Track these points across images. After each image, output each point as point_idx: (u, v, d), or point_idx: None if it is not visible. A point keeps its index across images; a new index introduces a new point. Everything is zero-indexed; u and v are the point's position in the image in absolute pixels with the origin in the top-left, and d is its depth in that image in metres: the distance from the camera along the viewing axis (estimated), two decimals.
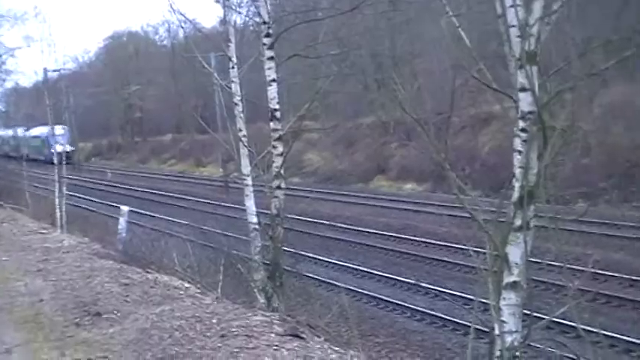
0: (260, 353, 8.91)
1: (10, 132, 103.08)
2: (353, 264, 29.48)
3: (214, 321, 10.45)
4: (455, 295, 22.63)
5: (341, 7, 18.88)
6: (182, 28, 30.39)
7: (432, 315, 22.23)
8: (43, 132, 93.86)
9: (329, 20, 19.03)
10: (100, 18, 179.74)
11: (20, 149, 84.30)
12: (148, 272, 15.67)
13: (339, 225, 38.32)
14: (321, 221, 38.96)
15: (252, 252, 16.62)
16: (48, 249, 19.50)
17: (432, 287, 24.93)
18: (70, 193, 38.43)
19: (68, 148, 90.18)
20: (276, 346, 9.25)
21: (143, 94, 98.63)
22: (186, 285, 14.10)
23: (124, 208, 24.64)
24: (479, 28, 10.42)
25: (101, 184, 69.70)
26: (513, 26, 8.23)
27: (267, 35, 15.62)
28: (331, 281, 25.45)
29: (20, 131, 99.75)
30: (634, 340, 18.42)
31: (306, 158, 61.74)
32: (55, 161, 35.36)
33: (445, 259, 28.28)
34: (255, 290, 15.73)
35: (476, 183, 30.57)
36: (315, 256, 30.06)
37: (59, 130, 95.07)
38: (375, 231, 35.96)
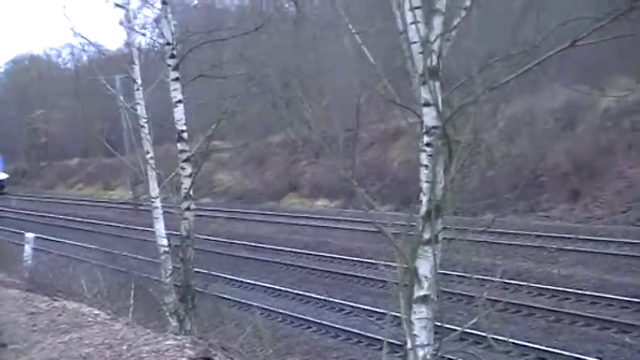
0: None
1: None
2: (267, 283, 29.44)
3: (124, 347, 10.33)
4: (369, 310, 22.74)
5: (246, 27, 18.90)
6: (84, 51, 30.02)
7: (347, 331, 22.29)
8: None
9: (234, 40, 19.01)
10: (0, 42, 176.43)
11: None
12: (55, 300, 15.44)
13: (252, 244, 38.27)
14: (234, 241, 38.91)
15: (163, 275, 16.47)
16: None
17: (346, 303, 25.04)
18: None
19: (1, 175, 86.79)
20: None
21: (48, 118, 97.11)
22: (96, 311, 13.92)
23: (29, 235, 24.26)
24: (384, 44, 10.48)
25: (5, 211, 68.31)
26: (415, 42, 8.32)
27: (172, 56, 15.54)
28: (245, 301, 25.36)
29: None
30: (544, 348, 18.71)
31: (217, 178, 61.62)
32: None
33: (359, 274, 28.42)
34: (167, 314, 15.58)
35: (386, 198, 30.96)
36: (228, 276, 29.92)
37: None
38: (288, 249, 36.00)
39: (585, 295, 22.94)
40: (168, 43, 15.63)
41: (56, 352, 10.72)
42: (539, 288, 23.91)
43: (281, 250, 36.08)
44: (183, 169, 15.65)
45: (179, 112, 15.67)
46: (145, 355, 9.87)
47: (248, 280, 30.03)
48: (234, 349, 12.20)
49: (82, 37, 19.56)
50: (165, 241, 16.54)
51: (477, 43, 9.68)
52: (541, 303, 22.80)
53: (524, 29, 8.48)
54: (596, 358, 17.94)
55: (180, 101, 15.69)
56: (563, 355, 18.33)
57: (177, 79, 15.63)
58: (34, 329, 12.52)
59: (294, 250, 35.61)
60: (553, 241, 29.86)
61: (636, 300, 21.77)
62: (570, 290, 23.46)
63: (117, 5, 17.41)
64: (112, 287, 18.74)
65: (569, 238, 30.75)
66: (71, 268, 24.53)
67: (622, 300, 21.98)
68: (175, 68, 15.59)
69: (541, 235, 31.34)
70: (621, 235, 31.08)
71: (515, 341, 17.14)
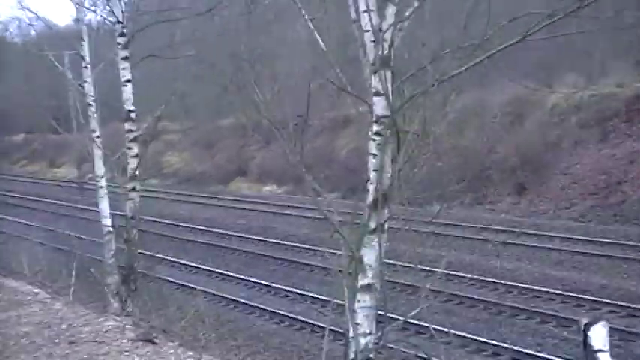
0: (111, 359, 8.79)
1: None
2: (211, 266, 29.32)
3: (64, 327, 10.26)
4: (313, 297, 22.77)
5: (198, 9, 18.80)
6: (32, 25, 29.60)
7: (291, 317, 22.29)
8: None
9: (187, 21, 18.90)
10: None
11: None
12: None
13: (198, 227, 38.13)
14: (179, 223, 38.73)
15: (106, 255, 16.38)
16: None
17: (290, 289, 25.04)
18: None
19: None
20: (127, 352, 9.14)
21: None
22: (36, 290, 13.82)
23: None
24: (337, 32, 10.47)
25: None
26: (367, 31, 8.33)
27: (122, 35, 15.42)
28: (188, 284, 25.23)
29: None
30: (484, 339, 18.86)
31: (165, 160, 61.30)
32: None
33: (304, 261, 28.43)
34: (109, 294, 15.50)
35: (334, 185, 31.00)
36: (172, 258, 29.80)
37: None
38: (234, 233, 35.92)
39: (527, 288, 23.14)
40: (118, 22, 15.52)
41: None
42: (483, 280, 24.09)
43: (227, 234, 36.00)
44: (130, 149, 15.56)
45: (127, 92, 15.56)
46: (84, 335, 9.81)
47: (192, 263, 29.90)
48: (176, 332, 12.17)
49: (29, 10, 19.40)
50: (109, 222, 16.45)
51: (429, 35, 9.70)
52: (484, 295, 22.97)
53: (476, 22, 8.51)
54: (535, 351, 18.13)
55: (129, 80, 15.59)
56: (502, 347, 18.51)
57: (126, 58, 15.53)
58: None
59: (240, 234, 35.55)
60: (497, 234, 30.09)
61: (576, 295, 22.01)
62: (513, 283, 23.65)
63: None
64: (53, 266, 18.58)
65: (513, 231, 31.03)
66: (11, 245, 24.30)
67: (562, 294, 22.21)
68: (125, 47, 15.48)
69: (486, 228, 31.58)
70: (564, 230, 31.43)
71: (457, 332, 17.27)
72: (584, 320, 6.15)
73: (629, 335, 18.48)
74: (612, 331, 6.33)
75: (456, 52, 8.53)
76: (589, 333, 6.02)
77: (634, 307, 20.52)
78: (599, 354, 5.96)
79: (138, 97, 15.89)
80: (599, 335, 6.00)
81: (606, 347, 6.03)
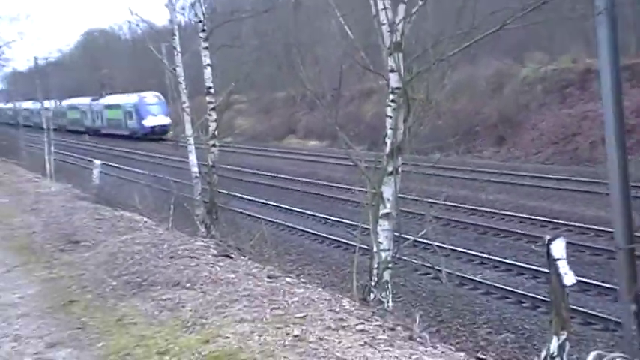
0: (200, 269, 8.88)
1: (10, 105, 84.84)
2: (271, 202, 29.47)
3: (165, 246, 10.36)
4: (346, 223, 22.83)
5: (259, 9, 18.76)
6: (138, 26, 29.60)
7: (330, 238, 22.39)
8: (128, 101, 69.89)
9: (250, 19, 18.85)
10: (75, 18, 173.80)
11: (18, 119, 64.04)
12: (115, 210, 15.44)
13: (261, 173, 38.25)
14: (248, 170, 38.82)
15: (195, 194, 16.50)
16: (39, 193, 19.07)
17: (330, 218, 25.14)
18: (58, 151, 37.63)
19: (163, 120, 65.69)
20: (212, 263, 9.23)
21: (112, 75, 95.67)
22: (145, 219, 13.94)
23: (97, 162, 24.06)
24: (363, 25, 10.42)
25: (81, 144, 67.93)
26: (384, 24, 8.26)
27: (203, 30, 15.37)
28: (255, 215, 25.38)
29: (83, 101, 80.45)
30: (474, 252, 18.88)
31: (236, 123, 61.22)
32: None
33: (340, 197, 28.45)
34: (197, 222, 15.63)
35: (361, 140, 30.77)
36: (243, 196, 29.96)
37: (151, 98, 66.96)
38: (288, 177, 35.99)
39: (506, 214, 23.06)
40: (200, 21, 15.46)
41: (116, 247, 10.75)
42: (472, 209, 24.03)
43: (282, 177, 36.09)
44: (210, 115, 15.57)
45: (207, 73, 15.54)
46: (180, 252, 9.91)
47: (257, 199, 30.07)
48: (246, 249, 12.26)
49: (136, 15, 19.43)
50: (196, 169, 16.57)
51: (431, 25, 9.59)
52: (473, 220, 22.93)
53: (466, 15, 8.40)
54: (512, 259, 18.12)
55: (209, 64, 15.56)
56: (488, 257, 18.51)
57: (206, 48, 15.48)
58: (99, 231, 12.53)
59: (291, 177, 35.62)
60: (483, 175, 29.90)
61: (542, 219, 21.92)
62: (495, 211, 23.58)
63: None
64: (157, 202, 18.75)
65: (495, 172, 30.84)
66: (127, 187, 24.52)
67: (532, 219, 22.13)
68: (205, 39, 15.43)
69: (475, 170, 31.40)
70: (534, 171, 31.24)
71: (454, 247, 17.28)
72: (548, 237, 6.12)
73: (581, 247, 18.40)
74: (568, 245, 6.29)
75: (451, 38, 8.46)
76: (551, 246, 5.98)
77: (585, 227, 20.41)
78: (558, 261, 5.93)
79: (215, 77, 15.88)
80: (558, 248, 5.97)
81: (564, 256, 6.00)
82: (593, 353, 6.11)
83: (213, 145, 15.38)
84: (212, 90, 15.55)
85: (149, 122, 66.69)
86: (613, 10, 8.99)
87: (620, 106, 9.45)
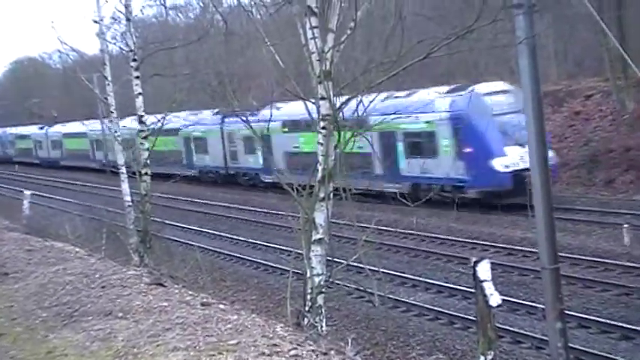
0: (132, 298, 8.74)
1: None
2: (205, 229, 29.27)
3: (97, 276, 10.17)
4: (280, 248, 22.81)
5: (191, 39, 18.73)
6: (68, 55, 29.09)
7: (265, 264, 22.35)
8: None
9: (182, 48, 18.79)
10: (3, 46, 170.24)
11: None
12: (46, 241, 15.10)
13: (195, 200, 37.92)
14: (181, 198, 38.40)
15: (128, 223, 16.29)
16: None
17: (264, 244, 25.08)
18: None
19: None
20: (145, 292, 9.09)
21: (43, 105, 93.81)
22: (77, 249, 13.65)
23: (27, 192, 23.57)
24: (293, 53, 10.51)
25: (12, 174, 66.24)
26: (313, 53, 8.34)
27: (134, 60, 15.24)
28: (189, 242, 25.15)
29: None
30: (407, 275, 19.06)
31: None
32: None
33: (274, 223, 28.40)
34: (131, 251, 15.41)
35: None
36: (177, 224, 29.67)
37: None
38: (222, 204, 35.78)
39: (437, 237, 23.35)
40: (131, 50, 15.34)
41: (46, 279, 10.50)
42: (404, 233, 24.26)
43: (217, 205, 35.86)
44: (142, 144, 15.40)
45: (139, 102, 15.41)
46: (112, 282, 9.74)
47: (192, 227, 29.82)
48: (180, 277, 12.14)
49: (66, 44, 19.22)
50: (129, 197, 16.39)
51: (360, 54, 9.71)
52: (405, 243, 23.16)
53: (394, 43, 8.55)
54: (443, 281, 18.33)
55: (140, 93, 15.43)
56: (420, 280, 18.70)
57: (137, 77, 15.36)
58: (29, 262, 12.22)
59: (227, 205, 35.42)
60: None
61: (471, 241, 22.26)
62: (426, 234, 23.86)
63: (94, 21, 17.12)
64: (89, 231, 18.44)
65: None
66: (58, 217, 24.03)
67: (462, 241, 22.46)
68: (136, 69, 15.31)
69: (404, 194, 31.69)
70: None
71: (386, 271, 17.39)
72: (474, 259, 6.23)
73: (509, 268, 18.75)
74: (497, 265, 6.42)
75: (379, 66, 8.59)
76: (477, 268, 6.10)
77: (512, 248, 20.80)
78: (484, 283, 6.04)
79: (147, 106, 15.76)
80: (484, 269, 6.09)
81: (489, 278, 6.11)
82: None
83: (146, 174, 15.21)
84: (144, 118, 15.41)
85: None
86: (533, 40, 9.29)
87: (543, 132, 9.74)
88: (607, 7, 30.51)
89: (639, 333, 13.47)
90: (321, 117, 8.51)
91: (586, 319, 14.68)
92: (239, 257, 23.85)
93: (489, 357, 5.97)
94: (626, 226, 19.42)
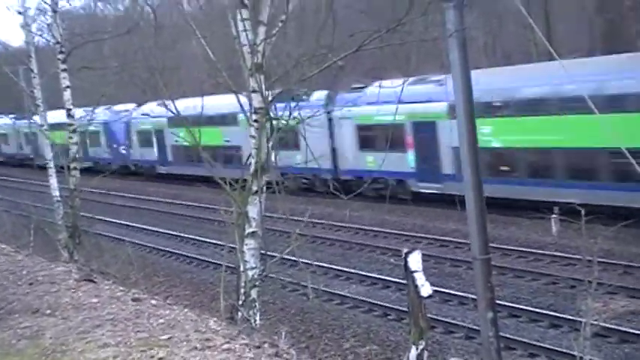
0: (61, 295, 8.60)
1: None
2: (138, 224, 28.88)
3: (24, 272, 9.97)
4: (214, 243, 22.69)
5: (120, 31, 18.41)
6: None
7: (198, 259, 22.21)
8: None
9: (112, 40, 18.49)
10: None
11: None
12: None
13: (127, 195, 37.35)
14: (113, 193, 37.71)
15: (56, 218, 15.97)
16: None
17: (197, 238, 24.90)
18: None
19: None
20: (74, 289, 8.95)
21: None
22: (2, 246, 13.35)
23: None
24: (225, 46, 10.45)
25: None
26: (245, 45, 8.30)
27: (61, 52, 14.92)
28: (121, 237, 24.74)
29: None
30: (341, 268, 19.19)
31: None
32: None
33: (207, 217, 28.17)
34: (60, 247, 15.11)
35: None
36: (108, 219, 29.17)
37: None
38: (154, 199, 35.37)
39: (370, 230, 23.55)
40: (57, 42, 15.01)
41: None
42: (338, 225, 24.40)
43: (149, 199, 35.43)
44: (71, 138, 15.11)
45: (67, 95, 15.10)
46: (40, 278, 9.56)
47: (124, 222, 29.37)
48: (111, 273, 11.96)
49: None
50: (57, 192, 16.08)
51: (292, 47, 9.71)
52: (339, 236, 23.32)
53: (326, 37, 8.58)
54: (377, 273, 18.51)
55: (68, 87, 15.12)
56: (354, 272, 18.85)
57: (65, 69, 15.05)
58: None
59: (158, 199, 35.03)
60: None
61: (404, 233, 22.53)
62: (359, 227, 24.04)
63: (18, 13, 16.69)
64: (16, 228, 18.01)
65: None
66: None
67: (396, 234, 22.70)
68: (64, 61, 14.99)
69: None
70: None
71: (320, 263, 17.47)
72: (405, 250, 6.31)
73: (441, 260, 19.04)
74: (429, 257, 6.52)
75: (311, 59, 8.61)
76: (408, 259, 6.19)
77: (445, 240, 21.13)
78: (415, 274, 6.13)
79: (76, 99, 15.45)
80: (415, 260, 6.17)
81: (420, 269, 6.20)
82: None
83: (75, 168, 14.93)
84: (72, 112, 15.12)
85: None
86: (463, 34, 9.42)
87: (473, 124, 9.89)
88: (534, 2, 31.20)
89: (567, 321, 13.83)
90: (253, 110, 8.48)
91: (516, 308, 15.02)
92: (172, 252, 23.64)
93: (421, 347, 6.06)
94: (554, 216, 19.92)
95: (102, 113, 39.35)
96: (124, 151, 45.40)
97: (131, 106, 41.88)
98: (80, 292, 8.71)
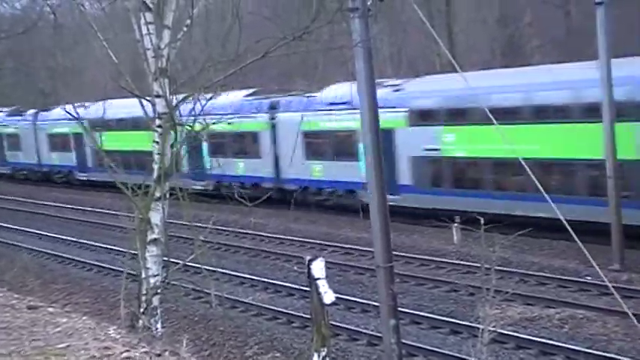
0: None
1: None
2: (35, 230, 28.02)
3: None
4: (114, 249, 22.26)
5: (16, 30, 17.91)
6: None
7: (98, 265, 21.74)
8: None
9: (7, 40, 17.95)
10: None
11: None
12: None
13: (23, 200, 36.19)
14: (9, 197, 36.51)
15: None
16: None
17: (96, 244, 24.38)
18: None
19: None
20: None
21: None
22: None
23: None
24: (129, 50, 10.31)
25: None
26: (149, 49, 8.24)
27: None
28: (17, 244, 24.01)
29: None
30: (245, 275, 19.13)
31: None
32: None
33: (108, 223, 27.55)
34: None
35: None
36: (2, 224, 28.21)
37: None
38: (52, 204, 34.36)
39: (275, 237, 23.56)
40: None
41: None
42: (243, 233, 24.29)
43: (47, 204, 34.41)
44: None
45: None
46: None
47: (20, 228, 28.45)
48: (7, 280, 11.61)
49: None
50: None
51: (198, 52, 9.68)
52: (244, 243, 23.22)
53: (232, 43, 8.60)
54: (282, 281, 18.53)
55: None
56: (258, 280, 18.82)
57: None
58: None
59: (58, 205, 34.07)
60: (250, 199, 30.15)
61: (309, 241, 22.63)
62: (264, 234, 24.02)
63: None
64: None
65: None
66: None
67: (301, 241, 22.77)
68: None
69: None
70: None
71: (224, 270, 17.35)
72: (308, 257, 6.38)
73: (345, 267, 19.24)
74: (334, 264, 6.61)
75: (217, 65, 8.61)
76: (311, 266, 6.26)
77: (349, 248, 21.34)
78: (318, 281, 6.20)
79: None
80: (318, 268, 6.25)
81: (323, 276, 6.28)
82: None
83: None
84: None
85: None
86: (369, 43, 9.61)
87: (377, 132, 10.09)
88: (437, 15, 31.98)
89: (466, 327, 14.18)
90: (157, 115, 8.42)
91: (418, 315, 15.30)
92: (71, 259, 23.03)
93: (323, 354, 6.14)
94: (455, 225, 20.39)
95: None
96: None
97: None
98: None
